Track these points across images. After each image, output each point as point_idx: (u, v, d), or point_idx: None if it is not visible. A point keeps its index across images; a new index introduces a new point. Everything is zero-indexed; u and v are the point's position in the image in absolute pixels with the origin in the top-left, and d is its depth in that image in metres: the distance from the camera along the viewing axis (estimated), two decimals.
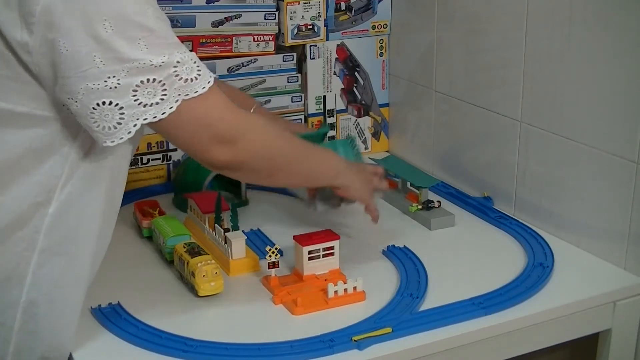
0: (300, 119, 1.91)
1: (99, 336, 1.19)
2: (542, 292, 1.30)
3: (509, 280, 1.33)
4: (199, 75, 1.06)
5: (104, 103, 1.01)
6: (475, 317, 1.23)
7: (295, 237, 1.34)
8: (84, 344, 1.17)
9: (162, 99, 1.03)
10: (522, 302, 1.27)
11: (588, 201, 1.42)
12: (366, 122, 1.99)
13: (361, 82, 1.96)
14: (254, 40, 1.82)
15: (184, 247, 1.34)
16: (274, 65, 1.86)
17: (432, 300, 1.27)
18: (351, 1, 1.89)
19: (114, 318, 1.22)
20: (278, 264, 1.31)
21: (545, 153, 1.50)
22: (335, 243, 1.34)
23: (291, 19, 1.83)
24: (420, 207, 1.59)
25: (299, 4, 1.83)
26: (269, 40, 1.83)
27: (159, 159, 1.78)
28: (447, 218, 1.57)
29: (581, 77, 1.39)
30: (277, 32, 1.84)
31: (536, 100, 1.50)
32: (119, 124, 1.02)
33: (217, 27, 1.78)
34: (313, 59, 1.89)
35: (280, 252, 1.33)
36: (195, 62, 1.06)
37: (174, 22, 1.73)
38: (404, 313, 1.23)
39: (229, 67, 1.81)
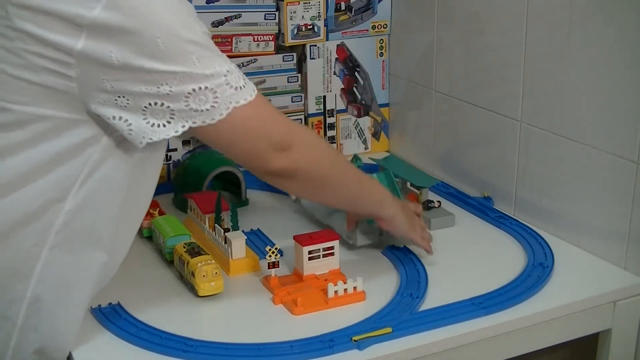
0: (301, 119, 1.91)
1: (98, 336, 1.19)
2: (542, 292, 1.30)
3: (509, 280, 1.33)
4: (245, 84, 1.09)
5: (155, 104, 1.04)
6: (475, 317, 1.23)
7: (295, 237, 1.34)
8: (84, 344, 1.17)
9: (213, 106, 1.05)
10: (522, 302, 1.27)
11: (588, 201, 1.42)
12: (366, 122, 1.99)
13: (361, 82, 1.96)
14: (254, 40, 1.82)
15: (184, 247, 1.34)
16: (274, 65, 1.86)
17: (432, 300, 1.27)
18: (351, 1, 1.89)
19: (114, 318, 1.22)
20: (278, 264, 1.31)
21: (545, 153, 1.50)
22: (335, 243, 1.34)
23: (291, 19, 1.83)
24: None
25: (299, 4, 1.83)
26: (269, 40, 1.83)
27: None
28: (447, 218, 1.57)
29: (581, 77, 1.39)
30: (277, 32, 1.84)
31: (536, 100, 1.50)
32: (169, 122, 1.05)
33: (217, 27, 1.78)
34: (313, 59, 1.89)
35: (280, 252, 1.33)
36: (239, 72, 1.09)
37: None
38: (404, 313, 1.22)
39: None
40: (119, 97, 1.03)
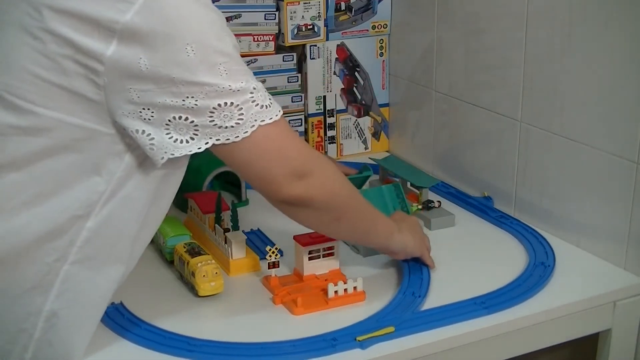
0: (301, 119, 1.91)
1: (102, 336, 1.19)
2: (542, 292, 1.30)
3: (510, 279, 1.33)
4: (271, 103, 1.07)
5: (180, 118, 1.02)
6: (477, 317, 1.23)
7: (295, 237, 1.34)
8: (88, 344, 1.15)
9: (237, 123, 1.04)
10: (524, 302, 1.27)
11: (588, 201, 1.42)
12: (366, 122, 1.99)
13: (361, 82, 1.96)
14: (254, 40, 1.82)
15: (184, 247, 1.34)
16: (274, 65, 1.86)
17: (434, 299, 1.28)
18: (351, 1, 1.89)
19: (117, 318, 1.22)
20: (278, 264, 1.31)
21: (545, 153, 1.50)
22: (335, 243, 1.34)
23: (291, 19, 1.83)
24: (420, 207, 1.59)
25: (299, 4, 1.83)
26: (269, 40, 1.83)
27: None
28: (447, 218, 1.57)
29: (581, 77, 1.39)
30: (277, 32, 1.84)
31: (536, 100, 1.50)
32: (192, 138, 1.04)
33: None
34: (313, 59, 1.89)
35: (280, 252, 1.33)
36: (265, 91, 1.07)
37: None
38: (406, 312, 1.22)
39: None
40: (144, 109, 1.02)
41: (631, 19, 1.29)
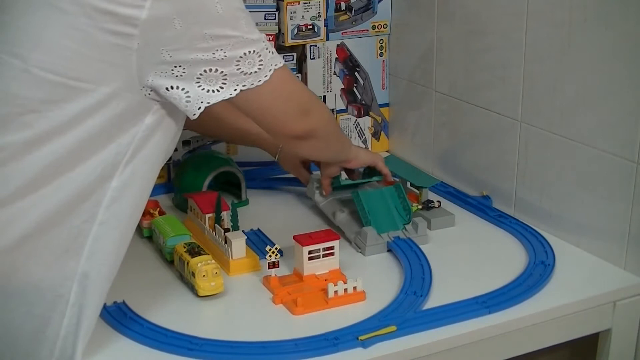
0: None
1: (104, 334, 1.19)
2: (542, 292, 1.30)
3: (511, 279, 1.33)
4: (275, 51, 1.19)
5: (210, 70, 1.12)
6: (479, 316, 1.23)
7: (295, 237, 1.34)
8: (90, 342, 1.16)
9: (259, 68, 1.16)
10: (524, 301, 1.27)
11: (588, 201, 1.42)
12: (366, 122, 1.99)
13: (361, 82, 1.96)
14: None
15: (184, 247, 1.34)
16: None
17: (436, 298, 1.28)
18: (351, 1, 1.89)
19: (120, 317, 1.22)
20: (278, 264, 1.31)
21: (545, 153, 1.50)
22: (335, 243, 1.34)
23: (291, 19, 1.83)
24: (420, 207, 1.59)
25: (299, 4, 1.83)
26: (269, 41, 1.83)
27: None
28: (447, 218, 1.57)
29: (581, 77, 1.39)
30: (277, 32, 1.84)
31: (536, 100, 1.50)
32: (221, 87, 1.14)
33: None
34: (313, 59, 1.89)
35: (280, 252, 1.33)
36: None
37: None
38: (408, 312, 1.23)
39: None
40: (176, 66, 1.10)
41: (631, 19, 1.29)
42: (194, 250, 1.33)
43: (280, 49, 1.86)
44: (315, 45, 1.88)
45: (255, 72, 1.15)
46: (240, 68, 1.14)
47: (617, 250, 1.37)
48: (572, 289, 1.32)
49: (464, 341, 1.21)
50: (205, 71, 1.12)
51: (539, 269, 1.36)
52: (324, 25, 1.87)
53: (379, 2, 1.91)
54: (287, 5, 1.81)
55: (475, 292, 1.28)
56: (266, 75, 1.16)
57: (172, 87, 1.11)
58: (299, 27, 1.84)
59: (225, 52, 1.12)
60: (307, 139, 1.30)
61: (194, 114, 1.14)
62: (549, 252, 1.41)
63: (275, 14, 1.83)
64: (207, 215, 1.47)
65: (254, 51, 1.14)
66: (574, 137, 1.43)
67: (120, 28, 1.06)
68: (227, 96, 1.14)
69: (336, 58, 1.91)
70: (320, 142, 1.35)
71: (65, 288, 1.11)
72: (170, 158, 1.79)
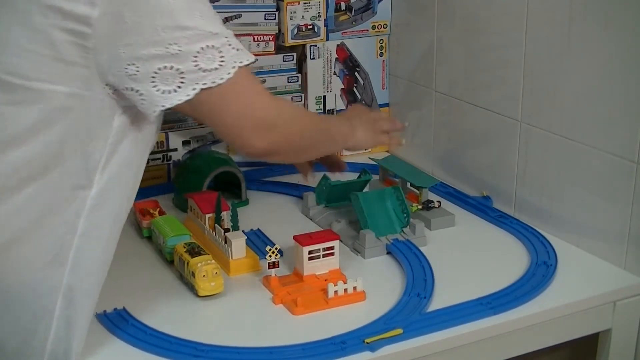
0: None
1: (106, 342, 1.18)
2: (543, 293, 1.30)
3: (513, 279, 1.33)
4: (242, 48, 1.11)
5: (165, 67, 1.05)
6: (484, 317, 1.23)
7: (295, 237, 1.34)
8: (93, 351, 1.15)
9: (220, 65, 1.07)
10: (528, 302, 1.27)
11: (588, 201, 1.42)
12: None
13: (361, 82, 1.96)
14: (254, 40, 1.82)
15: (184, 247, 1.34)
16: (274, 65, 1.86)
17: (439, 300, 1.27)
18: (351, 1, 1.89)
19: (121, 324, 1.21)
20: (278, 264, 1.31)
21: (545, 153, 1.50)
22: (335, 243, 1.34)
23: (291, 19, 1.83)
24: (420, 207, 1.59)
25: (299, 4, 1.83)
26: (269, 41, 1.83)
27: (159, 159, 1.78)
28: (447, 218, 1.57)
29: (581, 77, 1.39)
30: (277, 32, 1.84)
31: (536, 100, 1.50)
32: (179, 87, 1.06)
33: None
34: (313, 59, 1.89)
35: (280, 252, 1.33)
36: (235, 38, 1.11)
37: None
38: (413, 314, 1.22)
39: None
40: (130, 64, 1.04)
41: (631, 19, 1.29)
42: (194, 250, 1.33)
43: (280, 49, 1.86)
44: (315, 45, 1.88)
45: (216, 68, 1.07)
46: (198, 64, 1.05)
47: (617, 250, 1.37)
48: (572, 289, 1.32)
49: (468, 341, 1.21)
50: (160, 69, 1.05)
51: (542, 269, 1.36)
52: (324, 25, 1.87)
53: (379, 2, 1.91)
54: (287, 5, 1.81)
55: (478, 293, 1.28)
56: (229, 73, 1.07)
57: (127, 89, 1.06)
58: (299, 27, 1.84)
59: (180, 47, 1.04)
60: (271, 155, 1.20)
61: (151, 117, 1.09)
62: (551, 252, 1.41)
63: (275, 14, 1.83)
64: (207, 215, 1.47)
65: (212, 46, 1.06)
66: (574, 137, 1.43)
67: (75, 26, 1.02)
68: (185, 98, 1.06)
69: (336, 58, 1.91)
70: (291, 155, 1.27)
71: (50, 300, 1.09)
72: (170, 158, 1.79)
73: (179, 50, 1.04)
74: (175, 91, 1.06)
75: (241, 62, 1.09)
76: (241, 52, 1.09)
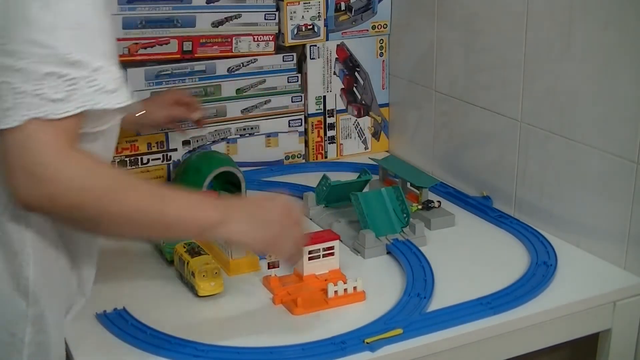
0: (301, 119, 1.91)
1: (106, 342, 1.18)
2: (543, 293, 1.30)
3: (513, 279, 1.33)
4: (112, 90, 0.96)
5: (2, 83, 0.92)
6: (484, 317, 1.23)
7: None
8: (93, 352, 1.15)
9: (65, 97, 0.93)
10: (528, 302, 1.27)
11: (588, 201, 1.42)
12: (366, 122, 1.99)
13: (361, 82, 1.96)
14: (254, 40, 1.82)
15: (184, 247, 1.34)
16: (274, 65, 1.86)
17: (439, 300, 1.27)
18: (351, 1, 1.89)
19: (121, 323, 1.21)
20: (278, 264, 1.31)
21: (545, 153, 1.50)
22: (335, 243, 1.34)
23: (291, 19, 1.83)
24: (420, 207, 1.59)
25: (299, 4, 1.83)
26: (269, 40, 1.83)
27: (159, 159, 1.78)
28: (447, 218, 1.57)
29: (581, 77, 1.39)
30: (277, 32, 1.84)
31: (536, 100, 1.50)
32: (9, 109, 0.92)
33: (217, 27, 1.78)
34: (313, 59, 1.89)
35: None
36: (116, 79, 0.97)
37: (174, 22, 1.73)
38: (413, 314, 1.22)
39: (229, 67, 1.81)
40: None
41: (631, 19, 1.29)
42: (194, 250, 1.33)
43: (280, 49, 1.86)
44: (315, 45, 1.88)
45: (61, 99, 0.91)
46: (40, 90, 0.90)
47: (617, 250, 1.37)
48: (572, 289, 1.32)
49: (468, 341, 1.21)
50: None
51: (542, 269, 1.36)
52: (324, 25, 1.87)
53: (379, 2, 1.91)
54: (287, 5, 1.81)
55: (478, 293, 1.28)
56: (67, 112, 0.91)
57: None
58: (299, 27, 1.84)
59: (28, 62, 0.90)
60: (47, 213, 0.98)
61: None
62: (551, 252, 1.41)
63: (275, 14, 1.83)
64: None
65: (66, 74, 0.91)
66: (574, 137, 1.43)
67: None
68: (14, 124, 0.90)
69: (336, 58, 1.91)
70: (79, 223, 1.01)
71: (19, 328, 1.06)
72: (170, 158, 1.79)
73: (23, 67, 0.91)
74: (7, 110, 0.91)
75: (95, 104, 0.93)
76: (101, 94, 0.94)
